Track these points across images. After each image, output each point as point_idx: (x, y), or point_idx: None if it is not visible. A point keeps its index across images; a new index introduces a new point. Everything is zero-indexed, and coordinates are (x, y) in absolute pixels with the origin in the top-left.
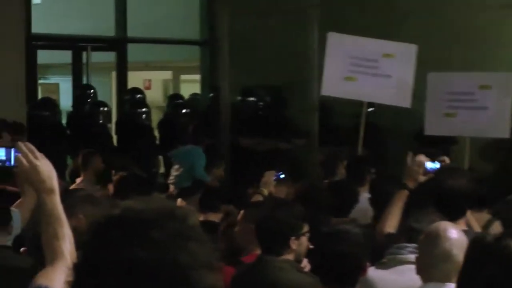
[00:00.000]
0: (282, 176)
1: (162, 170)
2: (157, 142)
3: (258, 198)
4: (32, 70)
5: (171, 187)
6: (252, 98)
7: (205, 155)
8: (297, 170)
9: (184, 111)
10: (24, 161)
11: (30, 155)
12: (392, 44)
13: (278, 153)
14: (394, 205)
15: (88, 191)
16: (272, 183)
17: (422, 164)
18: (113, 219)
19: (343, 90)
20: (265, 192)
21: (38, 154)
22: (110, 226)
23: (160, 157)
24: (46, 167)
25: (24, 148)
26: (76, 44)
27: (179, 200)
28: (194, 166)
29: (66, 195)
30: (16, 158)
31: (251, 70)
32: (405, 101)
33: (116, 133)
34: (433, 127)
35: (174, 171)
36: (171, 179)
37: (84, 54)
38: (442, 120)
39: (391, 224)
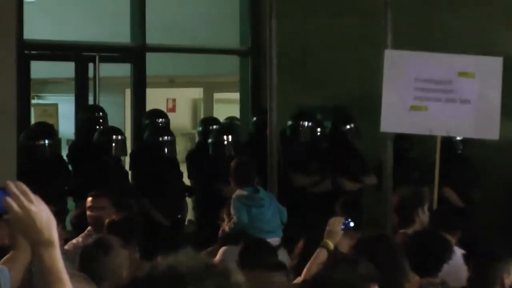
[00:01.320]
0: (352, 224)
1: (190, 216)
2: (184, 180)
3: (322, 253)
4: (24, 87)
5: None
6: (308, 123)
7: None
8: (365, 217)
9: (220, 140)
10: (15, 206)
11: (22, 198)
12: (469, 59)
13: (341, 194)
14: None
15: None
16: (339, 234)
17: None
18: (140, 279)
19: (409, 123)
20: (331, 245)
21: (32, 196)
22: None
23: (187, 200)
24: (43, 213)
25: (14, 189)
26: (80, 54)
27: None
28: (281, 210)
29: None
30: (4, 202)
31: (307, 87)
32: (492, 132)
33: (132, 168)
34: None
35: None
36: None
37: (91, 66)
38: None
39: None
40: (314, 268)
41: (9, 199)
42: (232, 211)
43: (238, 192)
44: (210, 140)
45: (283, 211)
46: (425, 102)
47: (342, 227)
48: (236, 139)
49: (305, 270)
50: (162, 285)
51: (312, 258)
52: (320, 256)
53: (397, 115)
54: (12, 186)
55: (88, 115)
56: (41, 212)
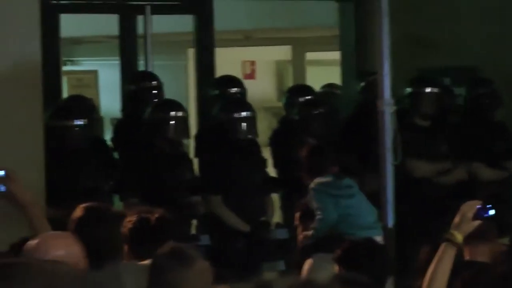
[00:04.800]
0: (492, 212)
1: (278, 217)
2: (267, 169)
3: (449, 251)
4: (51, 50)
5: None
6: (434, 90)
7: None
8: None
9: (315, 116)
10: None
11: None
12: None
13: (478, 187)
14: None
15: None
16: (470, 222)
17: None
18: None
19: None
20: (459, 237)
21: None
22: None
23: (273, 196)
24: None
25: None
26: (126, 4)
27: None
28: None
29: None
30: None
31: (431, 44)
32: None
33: (197, 155)
34: None
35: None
36: None
37: (141, 20)
38: None
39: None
40: (440, 270)
41: None
42: (315, 204)
43: (318, 179)
44: (296, 116)
45: (374, 209)
46: None
47: (476, 214)
48: (333, 113)
49: (428, 273)
50: None
51: (436, 257)
52: (447, 253)
53: None
54: None
55: (137, 86)
56: None
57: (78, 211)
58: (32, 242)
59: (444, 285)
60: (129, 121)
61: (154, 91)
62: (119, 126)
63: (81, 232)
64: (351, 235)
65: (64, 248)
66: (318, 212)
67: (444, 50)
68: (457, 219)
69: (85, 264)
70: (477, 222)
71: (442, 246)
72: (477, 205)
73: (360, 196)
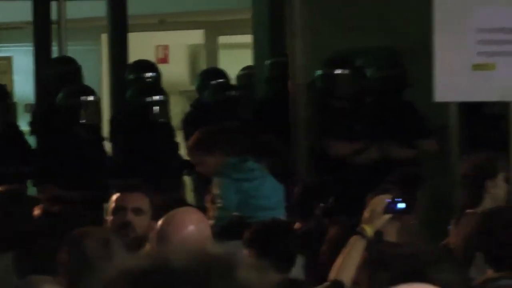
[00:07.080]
0: (402, 205)
1: (190, 199)
2: (180, 151)
3: (359, 243)
4: None
5: None
6: (346, 71)
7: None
8: (422, 194)
9: (227, 99)
10: None
11: None
12: None
13: (393, 165)
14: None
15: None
16: (381, 218)
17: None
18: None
19: (473, 87)
20: (369, 231)
21: None
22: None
23: (186, 179)
24: None
25: None
26: None
27: None
28: (277, 186)
29: None
30: None
31: (345, 23)
32: None
33: (112, 139)
34: None
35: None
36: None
37: (54, 5)
38: None
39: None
40: (350, 262)
41: None
42: (215, 191)
43: (222, 162)
44: (208, 99)
45: (279, 188)
46: (494, 58)
47: (387, 207)
48: (246, 95)
49: (337, 264)
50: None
51: (346, 249)
52: (356, 246)
53: (456, 78)
54: None
55: (56, 70)
56: None
57: None
58: (163, 218)
59: (351, 278)
60: (43, 109)
61: (74, 75)
62: (38, 111)
63: None
64: (253, 218)
65: (194, 224)
66: (218, 200)
67: (368, 31)
68: (367, 213)
69: (211, 242)
70: (387, 216)
71: (352, 239)
72: (387, 199)
73: (264, 178)
